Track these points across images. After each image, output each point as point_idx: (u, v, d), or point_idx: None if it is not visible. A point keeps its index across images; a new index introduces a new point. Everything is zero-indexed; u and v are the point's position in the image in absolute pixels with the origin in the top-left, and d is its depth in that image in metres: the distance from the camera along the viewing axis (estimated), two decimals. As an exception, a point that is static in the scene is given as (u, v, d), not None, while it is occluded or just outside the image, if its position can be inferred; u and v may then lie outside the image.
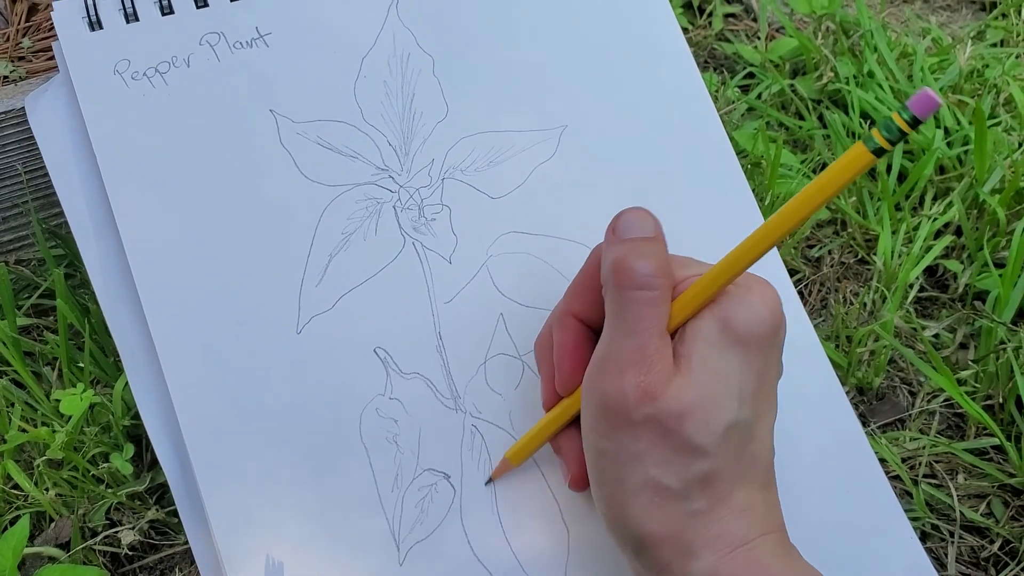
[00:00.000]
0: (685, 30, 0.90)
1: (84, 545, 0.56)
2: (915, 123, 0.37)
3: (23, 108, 0.57)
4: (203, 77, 0.55)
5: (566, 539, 0.50)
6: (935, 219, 0.72)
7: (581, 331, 0.46)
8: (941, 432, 0.63)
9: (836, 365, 0.58)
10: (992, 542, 0.58)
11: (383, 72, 0.57)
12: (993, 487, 0.60)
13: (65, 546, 0.57)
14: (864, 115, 0.80)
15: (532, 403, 0.51)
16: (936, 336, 0.67)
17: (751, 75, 0.86)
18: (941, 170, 0.76)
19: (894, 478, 0.59)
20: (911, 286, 0.69)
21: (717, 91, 0.83)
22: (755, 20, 0.93)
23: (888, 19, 0.92)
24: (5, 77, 0.65)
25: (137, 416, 0.58)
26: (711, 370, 0.41)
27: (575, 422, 0.47)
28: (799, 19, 0.92)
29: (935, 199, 0.75)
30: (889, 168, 0.76)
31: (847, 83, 0.82)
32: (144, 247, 0.52)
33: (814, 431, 0.53)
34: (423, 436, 0.51)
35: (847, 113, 0.81)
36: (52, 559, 0.56)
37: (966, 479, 0.60)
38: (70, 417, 0.58)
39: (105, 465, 0.58)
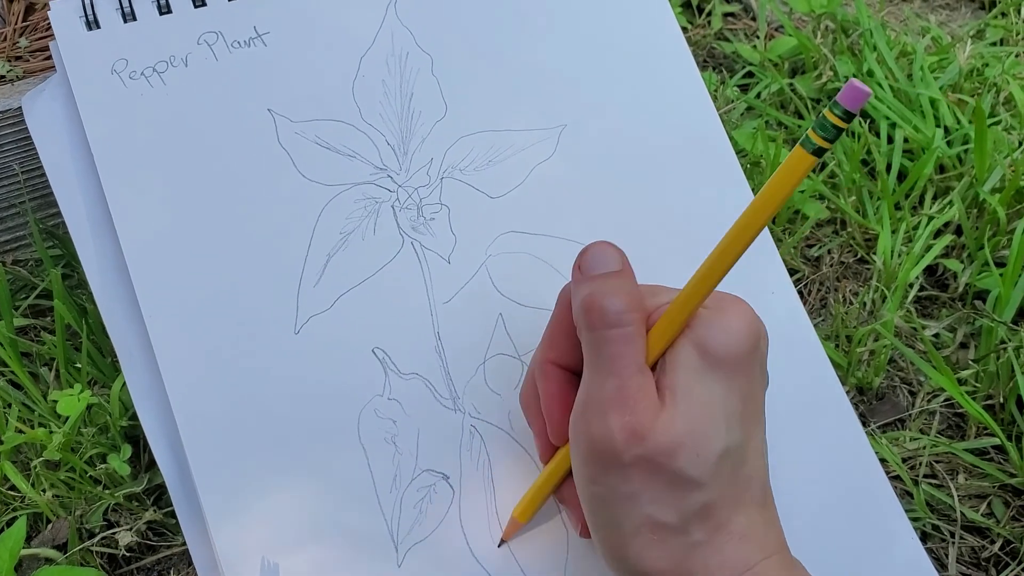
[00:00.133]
0: (684, 29, 0.89)
1: (81, 546, 0.56)
2: (848, 117, 0.37)
3: (20, 108, 0.57)
4: (201, 77, 0.55)
5: (565, 540, 0.49)
6: (935, 218, 0.72)
7: (564, 377, 0.45)
8: (941, 432, 0.63)
9: (836, 365, 0.58)
10: (993, 542, 0.58)
11: (381, 71, 0.56)
12: (994, 487, 0.60)
13: (62, 547, 0.57)
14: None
15: (531, 403, 0.51)
16: (936, 336, 0.67)
17: (750, 74, 0.86)
18: (941, 169, 0.76)
19: (894, 478, 0.59)
20: (911, 285, 0.69)
21: (716, 90, 0.83)
22: (754, 19, 0.93)
23: (887, 18, 0.92)
24: (2, 77, 0.64)
25: (135, 417, 0.58)
26: (696, 400, 0.40)
27: None
28: (798, 18, 0.91)
29: (935, 198, 0.75)
30: (889, 167, 0.76)
31: (846, 82, 0.81)
32: (141, 247, 0.52)
33: (814, 431, 0.53)
34: (422, 437, 0.51)
35: (847, 112, 0.80)
36: (49, 560, 0.56)
37: (967, 479, 0.60)
38: (67, 418, 0.57)
39: (102, 466, 0.57)
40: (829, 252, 0.72)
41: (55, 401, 0.58)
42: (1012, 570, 0.56)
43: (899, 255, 0.70)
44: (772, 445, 0.43)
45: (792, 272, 0.70)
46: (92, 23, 0.55)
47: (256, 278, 0.52)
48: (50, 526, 0.57)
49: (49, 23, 0.62)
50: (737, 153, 0.59)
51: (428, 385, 0.51)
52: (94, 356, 0.61)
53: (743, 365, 0.41)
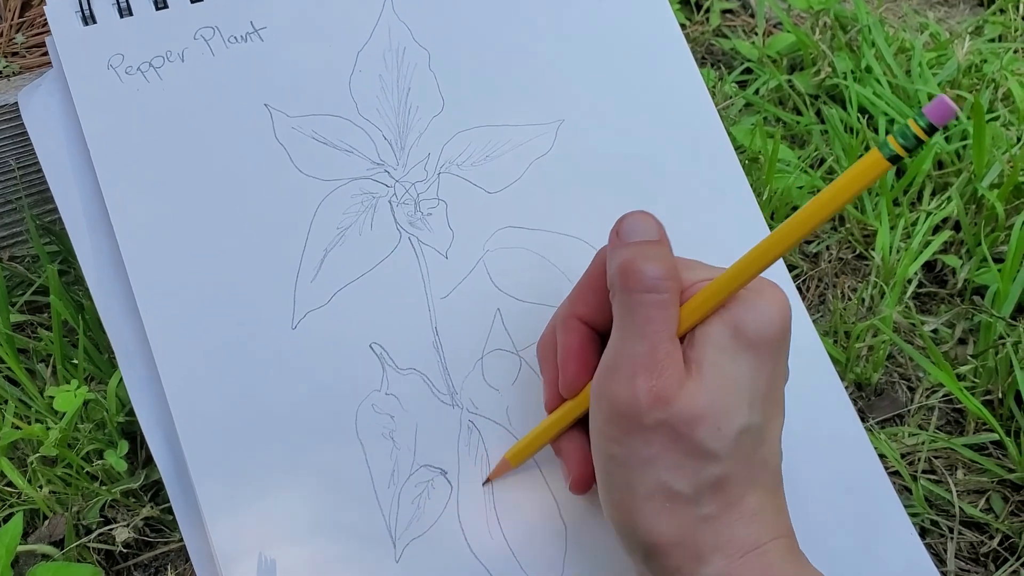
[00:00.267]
0: (682, 26, 0.89)
1: (78, 543, 0.56)
2: (931, 130, 0.37)
3: (16, 103, 0.57)
4: (197, 71, 0.55)
5: (564, 535, 0.49)
6: (933, 214, 0.72)
7: (586, 333, 0.46)
8: (940, 427, 0.63)
9: (835, 361, 0.58)
10: (991, 537, 0.58)
11: (379, 66, 0.56)
12: (992, 482, 0.60)
13: (59, 544, 0.56)
14: (862, 110, 0.80)
15: (529, 399, 0.51)
16: (935, 331, 0.67)
17: (748, 71, 0.86)
18: (939, 165, 0.76)
19: (893, 474, 0.59)
20: (909, 281, 0.69)
21: (714, 86, 0.83)
22: (752, 16, 0.92)
23: (885, 14, 0.92)
24: (-2, 72, 0.64)
25: (131, 413, 0.58)
26: (723, 375, 0.41)
27: (577, 424, 0.47)
28: (796, 14, 0.91)
29: (933, 194, 0.74)
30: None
31: (845, 78, 0.81)
32: (138, 243, 0.52)
33: (813, 427, 0.52)
34: (420, 432, 0.50)
35: (845, 108, 0.80)
36: (46, 557, 0.56)
37: (965, 475, 0.60)
38: (64, 414, 0.57)
39: (99, 462, 0.57)
40: (828, 248, 0.72)
41: (52, 397, 0.58)
42: (1011, 565, 0.56)
43: (898, 251, 0.70)
44: (771, 440, 0.43)
45: (791, 268, 0.70)
46: (88, 18, 0.55)
47: (253, 273, 0.52)
48: (47, 522, 0.57)
49: (45, 19, 0.62)
50: (735, 149, 0.59)
51: (426, 380, 0.51)
52: (91, 352, 0.61)
53: (772, 350, 0.42)
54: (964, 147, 0.76)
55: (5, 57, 0.66)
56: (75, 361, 0.60)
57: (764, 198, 0.71)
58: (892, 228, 0.70)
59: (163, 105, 0.54)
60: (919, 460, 0.60)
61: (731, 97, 0.82)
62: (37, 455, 0.57)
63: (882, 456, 0.57)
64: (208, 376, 0.50)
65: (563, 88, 0.57)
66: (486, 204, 0.55)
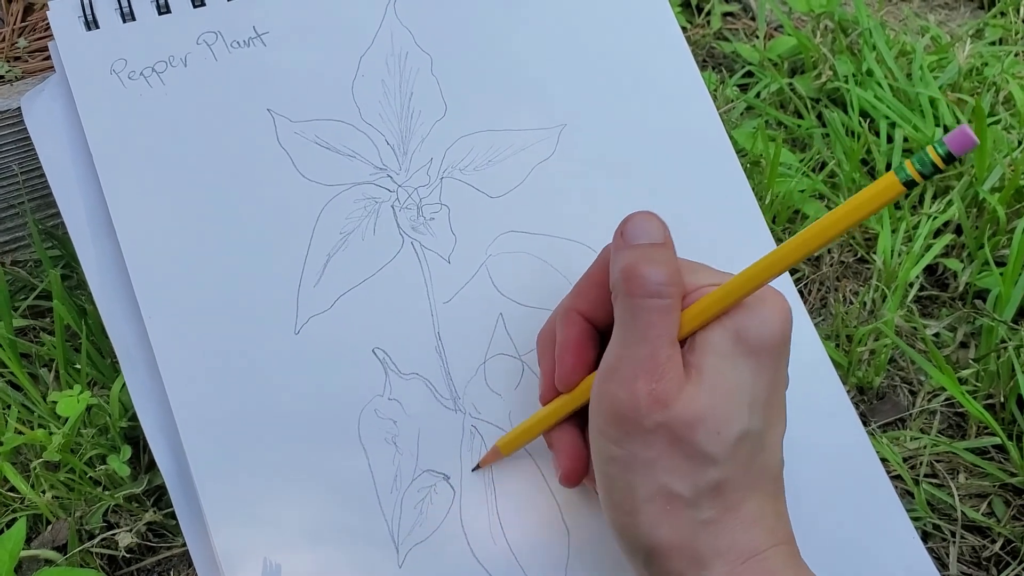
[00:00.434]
0: (683, 29, 0.89)
1: (81, 548, 0.56)
2: (950, 159, 0.37)
3: (19, 108, 0.57)
4: (200, 77, 0.55)
5: (566, 540, 0.49)
6: (935, 218, 0.72)
7: (585, 328, 0.46)
8: (942, 431, 0.63)
9: (836, 364, 0.58)
10: (993, 542, 0.58)
11: (381, 71, 0.56)
12: (994, 486, 0.60)
13: (62, 549, 0.56)
14: (863, 113, 0.80)
15: (532, 403, 0.51)
16: (937, 335, 0.67)
17: (750, 74, 0.86)
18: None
19: (895, 478, 0.59)
20: (911, 285, 0.69)
21: (716, 90, 0.83)
22: (753, 19, 0.92)
23: (886, 17, 0.92)
24: (1, 77, 0.64)
25: (134, 418, 0.58)
26: (723, 380, 0.41)
27: (571, 418, 0.47)
28: (797, 17, 0.91)
29: (935, 197, 0.75)
30: (888, 166, 0.75)
31: (846, 81, 0.81)
32: (141, 248, 0.52)
33: (815, 431, 0.52)
34: (422, 437, 0.50)
35: (846, 112, 0.80)
36: (49, 562, 0.56)
37: (967, 478, 0.60)
38: (67, 419, 0.57)
39: (102, 467, 0.57)
40: (829, 252, 0.72)
41: (55, 402, 0.58)
42: (1013, 569, 0.56)
43: (899, 254, 0.70)
44: (773, 444, 0.43)
45: (792, 272, 0.70)
46: (91, 23, 0.55)
47: (256, 278, 0.52)
48: (50, 527, 0.57)
49: (48, 23, 0.62)
50: (737, 152, 0.59)
51: (428, 385, 0.51)
52: (93, 357, 0.61)
53: (774, 356, 0.42)
54: (959, 159, 0.76)
55: (8, 62, 0.66)
56: (78, 366, 0.60)
57: (766, 202, 0.71)
58: (893, 231, 0.71)
59: (166, 110, 0.54)
60: (921, 464, 0.61)
61: (732, 100, 0.82)
62: (40, 460, 0.57)
63: (884, 460, 0.57)
64: (211, 381, 0.50)
65: (565, 93, 0.57)
66: (488, 209, 0.55)
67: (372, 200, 0.54)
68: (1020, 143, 0.76)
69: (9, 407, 0.60)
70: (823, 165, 0.77)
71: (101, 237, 0.53)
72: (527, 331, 0.52)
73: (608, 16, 0.60)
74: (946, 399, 0.63)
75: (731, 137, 0.61)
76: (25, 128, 0.56)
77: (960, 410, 0.63)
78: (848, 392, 0.56)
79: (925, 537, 0.58)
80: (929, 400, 0.64)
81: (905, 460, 0.61)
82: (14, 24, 0.69)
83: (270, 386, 0.50)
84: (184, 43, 0.55)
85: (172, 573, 0.57)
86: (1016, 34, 0.89)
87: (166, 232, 0.52)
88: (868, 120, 0.80)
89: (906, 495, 0.59)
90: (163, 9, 0.56)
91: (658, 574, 0.41)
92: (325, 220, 0.53)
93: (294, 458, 0.49)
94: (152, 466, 0.59)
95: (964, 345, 0.67)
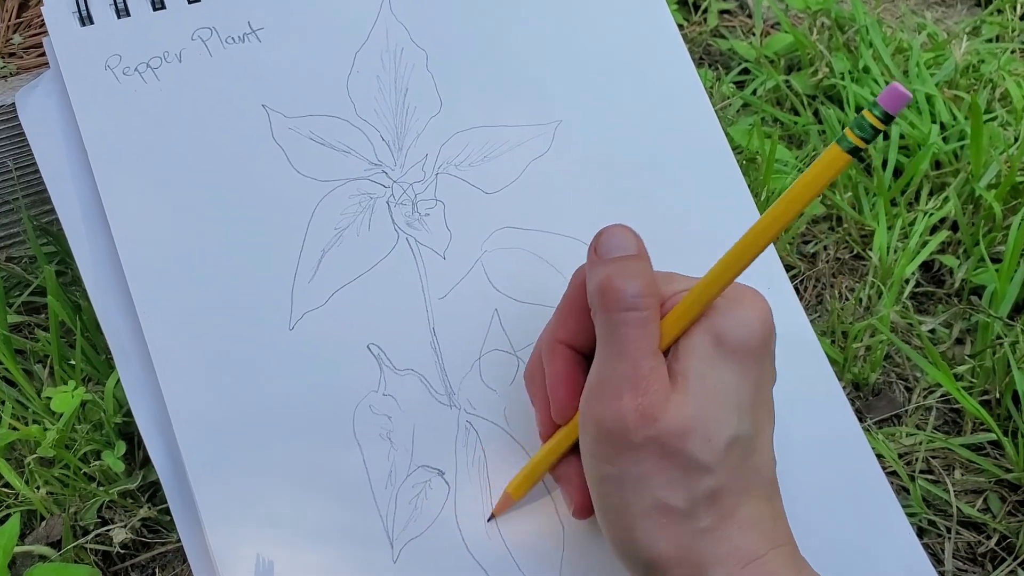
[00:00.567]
0: (680, 26, 0.89)
1: (75, 543, 0.56)
2: (887, 119, 0.36)
3: (13, 104, 0.57)
4: (195, 72, 0.55)
5: (561, 535, 0.49)
6: (931, 214, 0.72)
7: (571, 357, 0.45)
8: (938, 428, 0.63)
9: (832, 361, 0.58)
10: (989, 537, 0.58)
11: (376, 67, 0.56)
12: (990, 482, 0.60)
13: (56, 545, 0.56)
14: (859, 110, 0.80)
15: (527, 399, 0.51)
16: (932, 331, 0.67)
17: (746, 71, 0.86)
18: (937, 165, 0.76)
19: (891, 474, 0.59)
20: (907, 281, 0.69)
21: (712, 87, 0.83)
22: (750, 16, 0.92)
23: (883, 14, 0.92)
24: (-5, 73, 0.64)
25: (129, 414, 0.58)
26: (708, 386, 0.41)
27: (574, 450, 0.46)
28: (794, 15, 0.91)
29: (931, 194, 0.75)
30: (885, 163, 0.75)
31: (842, 78, 0.81)
32: (136, 244, 0.52)
33: (811, 427, 0.52)
34: (417, 433, 0.50)
35: (842, 108, 0.80)
36: (43, 558, 0.56)
37: (963, 475, 0.60)
38: (61, 415, 0.57)
39: (97, 463, 0.57)
40: (825, 248, 0.72)
41: (49, 398, 0.58)
42: (1008, 565, 0.56)
43: (895, 251, 0.70)
44: (769, 440, 0.43)
45: (788, 268, 0.70)
46: (85, 19, 0.55)
47: (250, 274, 0.52)
48: (44, 523, 0.57)
49: (43, 20, 0.62)
50: (733, 149, 0.59)
51: (423, 381, 0.51)
52: (88, 353, 0.61)
53: (756, 356, 0.42)
54: (962, 147, 0.76)
55: (2, 58, 0.66)
56: (72, 362, 0.60)
57: (762, 198, 0.71)
58: (889, 228, 0.70)
59: (161, 106, 0.54)
60: (917, 460, 0.61)
61: (729, 97, 0.82)
62: (34, 456, 0.57)
63: (880, 456, 0.57)
64: (205, 377, 0.50)
65: (561, 89, 0.57)
66: (484, 205, 0.55)
67: (367, 196, 0.54)
68: (1016, 140, 0.76)
69: (3, 403, 0.60)
70: (819, 162, 0.77)
71: (96, 233, 0.53)
72: (522, 327, 0.52)
73: (604, 12, 0.60)
74: (942, 395, 0.63)
75: (727, 134, 0.61)
76: (19, 124, 0.56)
77: (956, 406, 0.63)
78: (844, 388, 0.56)
79: (921, 533, 0.58)
80: (925, 396, 0.64)
81: (901, 456, 0.61)
82: (9, 20, 0.69)
83: (265, 382, 0.50)
84: (179, 39, 0.55)
85: (167, 569, 0.57)
86: (1013, 31, 0.89)
87: (161, 228, 0.52)
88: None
89: (902, 491, 0.59)
90: (157, 5, 0.56)
91: None
92: (320, 216, 0.53)
93: (289, 454, 0.49)
94: (146, 462, 0.59)
95: (960, 341, 0.67)
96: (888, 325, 0.64)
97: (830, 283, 0.70)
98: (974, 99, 0.73)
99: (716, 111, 0.60)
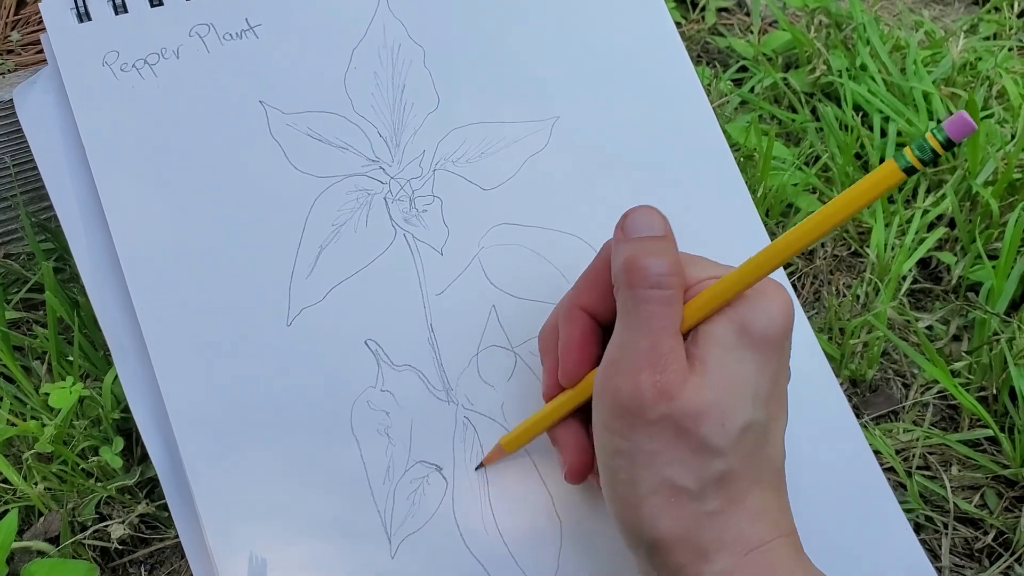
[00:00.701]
0: (678, 24, 0.89)
1: (74, 539, 0.56)
2: (949, 145, 0.37)
3: (11, 101, 0.57)
4: (192, 69, 0.55)
5: (559, 530, 0.49)
6: (928, 211, 0.72)
7: (588, 324, 0.46)
8: (935, 424, 0.63)
9: (829, 357, 0.58)
10: (986, 533, 0.58)
11: (373, 63, 0.56)
12: (987, 478, 0.60)
13: (54, 540, 0.56)
14: (857, 108, 0.80)
15: (525, 395, 0.51)
16: (929, 328, 0.67)
17: (744, 68, 0.86)
18: (934, 162, 0.76)
19: (888, 470, 0.59)
20: (904, 278, 0.69)
21: (710, 84, 0.83)
22: (748, 14, 0.93)
23: (880, 12, 0.92)
24: (-7, 70, 0.64)
25: (127, 410, 0.58)
26: (727, 372, 0.41)
27: (574, 414, 0.47)
28: (792, 13, 0.91)
29: (928, 191, 0.75)
30: (882, 161, 0.76)
31: (840, 76, 0.81)
32: (133, 240, 0.52)
33: (809, 423, 0.52)
34: (415, 428, 0.50)
35: (840, 106, 0.81)
36: (41, 553, 0.56)
37: (960, 470, 0.60)
38: (59, 411, 0.57)
39: (95, 459, 0.57)
40: (823, 245, 0.72)
41: (47, 394, 0.58)
42: (1005, 561, 0.57)
43: (892, 248, 0.70)
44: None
45: (785, 265, 0.70)
46: (83, 15, 0.55)
47: (248, 270, 0.52)
48: (42, 519, 0.57)
49: (41, 16, 0.62)
50: (730, 147, 0.59)
51: (421, 377, 0.51)
52: (86, 349, 0.61)
53: (776, 349, 0.42)
54: (959, 144, 0.76)
55: (0, 55, 0.66)
56: (70, 358, 0.60)
57: (759, 195, 0.71)
58: (887, 225, 0.71)
59: (158, 102, 0.54)
60: (914, 456, 0.61)
61: (726, 95, 0.82)
62: (32, 452, 0.57)
63: (877, 452, 0.57)
64: (203, 373, 0.50)
65: (558, 85, 0.57)
66: (481, 201, 0.55)
67: (364, 192, 0.54)
68: (1013, 137, 0.76)
69: (1, 399, 0.60)
70: (816, 159, 0.77)
71: (94, 229, 0.53)
72: (520, 323, 0.52)
73: (602, 9, 0.60)
74: (939, 391, 0.64)
75: (725, 131, 0.61)
76: (17, 121, 0.56)
77: (953, 402, 0.64)
78: (841, 385, 0.56)
79: (918, 529, 0.58)
80: (922, 392, 0.64)
81: (898, 452, 0.61)
82: (7, 18, 0.69)
83: (263, 378, 0.50)
84: (176, 35, 0.55)
85: (165, 564, 0.57)
86: (1010, 29, 0.89)
87: (158, 224, 0.52)
88: (862, 114, 0.80)
89: (899, 487, 0.59)
90: (155, 1, 0.56)
91: (661, 567, 0.41)
92: (317, 212, 0.53)
93: (287, 449, 0.49)
94: (144, 458, 0.59)
95: (957, 338, 0.67)
96: (885, 322, 0.64)
97: (827, 280, 0.70)
98: (971, 96, 0.73)
99: (714, 108, 0.60)
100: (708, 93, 0.77)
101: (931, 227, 0.72)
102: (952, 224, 0.73)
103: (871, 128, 0.78)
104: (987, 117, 0.78)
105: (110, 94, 0.54)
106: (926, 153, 0.37)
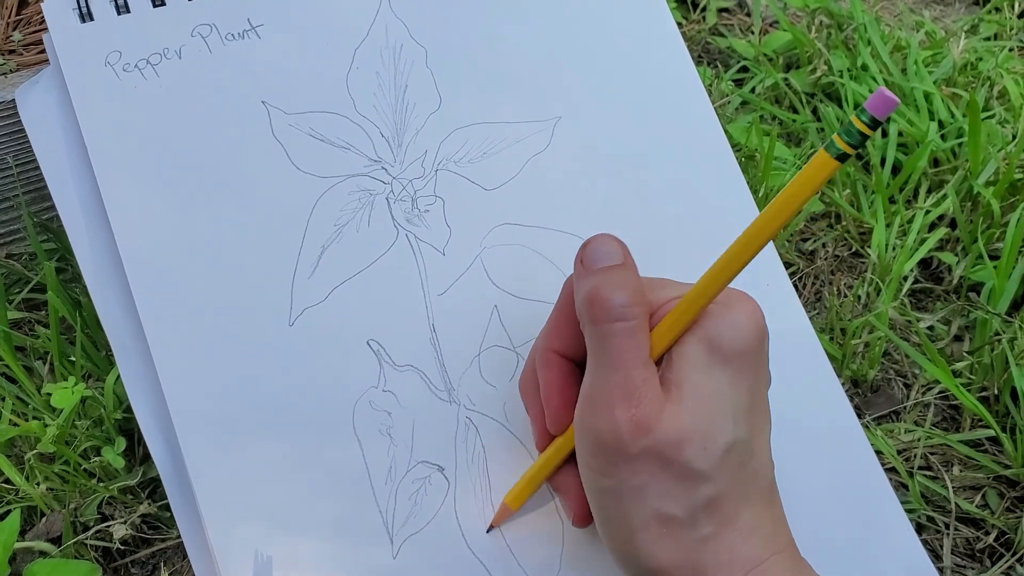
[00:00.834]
0: (679, 24, 0.89)
1: (76, 539, 0.56)
2: (875, 124, 0.36)
3: (13, 101, 0.57)
4: (195, 69, 0.55)
5: (561, 531, 0.49)
6: (929, 211, 0.72)
7: (565, 367, 0.45)
8: (936, 424, 0.63)
9: (831, 357, 0.58)
10: (987, 533, 0.58)
11: (376, 63, 0.56)
12: (988, 478, 0.60)
13: (56, 540, 0.56)
14: (856, 107, 0.80)
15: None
16: (931, 328, 0.67)
17: (745, 69, 0.86)
18: (935, 163, 0.76)
19: (890, 470, 0.59)
20: (905, 278, 0.69)
21: (711, 85, 0.83)
22: (749, 14, 0.93)
23: (881, 13, 0.92)
24: (-5, 70, 0.64)
25: (129, 410, 0.58)
26: (702, 393, 0.40)
27: (572, 459, 0.46)
28: (793, 13, 0.92)
29: (929, 192, 0.75)
30: (883, 161, 0.76)
31: (841, 76, 0.81)
32: (136, 240, 0.52)
33: (810, 423, 0.53)
34: (417, 428, 0.50)
35: (841, 106, 0.81)
36: (43, 553, 0.56)
37: (961, 471, 0.60)
38: (61, 411, 0.57)
39: (97, 459, 0.57)
40: (824, 246, 0.72)
41: (49, 394, 0.58)
42: (1006, 561, 0.57)
43: (893, 248, 0.70)
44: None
45: (787, 265, 0.70)
46: (85, 15, 0.55)
47: (250, 270, 0.52)
48: (44, 519, 0.57)
49: (43, 16, 0.62)
50: (732, 147, 0.59)
51: (423, 377, 0.51)
52: (88, 349, 0.61)
53: (750, 360, 0.41)
54: (960, 145, 0.76)
55: (2, 55, 0.66)
56: (73, 358, 0.60)
57: (760, 195, 0.71)
58: (888, 225, 0.71)
59: (160, 102, 0.54)
60: (915, 456, 0.61)
61: (727, 95, 0.82)
62: (34, 452, 0.57)
63: (878, 452, 0.57)
64: (205, 373, 0.50)
65: (560, 85, 0.58)
66: (483, 201, 0.55)
67: (367, 192, 0.54)
68: (1014, 137, 0.76)
69: (3, 399, 0.60)
70: (818, 159, 0.77)
71: (96, 229, 0.53)
72: (522, 323, 0.52)
73: (603, 10, 0.60)
74: (940, 392, 0.64)
75: (726, 131, 0.61)
76: (20, 121, 0.56)
77: (954, 403, 0.64)
78: (843, 385, 0.56)
79: (919, 529, 0.58)
80: (923, 393, 0.64)
81: (899, 452, 0.61)
82: (9, 18, 0.69)
83: (264, 378, 0.50)
84: (179, 35, 0.55)
85: (167, 565, 0.57)
86: (1010, 29, 0.89)
87: (161, 224, 0.52)
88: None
89: (900, 487, 0.59)
90: (157, 2, 0.56)
91: None
92: (319, 212, 0.53)
93: (289, 450, 0.49)
94: (147, 458, 0.59)
95: (958, 338, 0.67)
96: (887, 322, 0.64)
97: (829, 280, 0.71)
98: (972, 97, 0.73)
99: (715, 109, 0.60)
100: (709, 93, 0.77)
101: (932, 227, 0.72)
102: (953, 224, 0.73)
103: (872, 128, 0.78)
104: (988, 117, 0.78)
105: (112, 94, 0.54)
106: (853, 137, 0.37)
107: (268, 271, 0.52)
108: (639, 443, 0.39)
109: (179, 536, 0.54)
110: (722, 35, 0.91)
